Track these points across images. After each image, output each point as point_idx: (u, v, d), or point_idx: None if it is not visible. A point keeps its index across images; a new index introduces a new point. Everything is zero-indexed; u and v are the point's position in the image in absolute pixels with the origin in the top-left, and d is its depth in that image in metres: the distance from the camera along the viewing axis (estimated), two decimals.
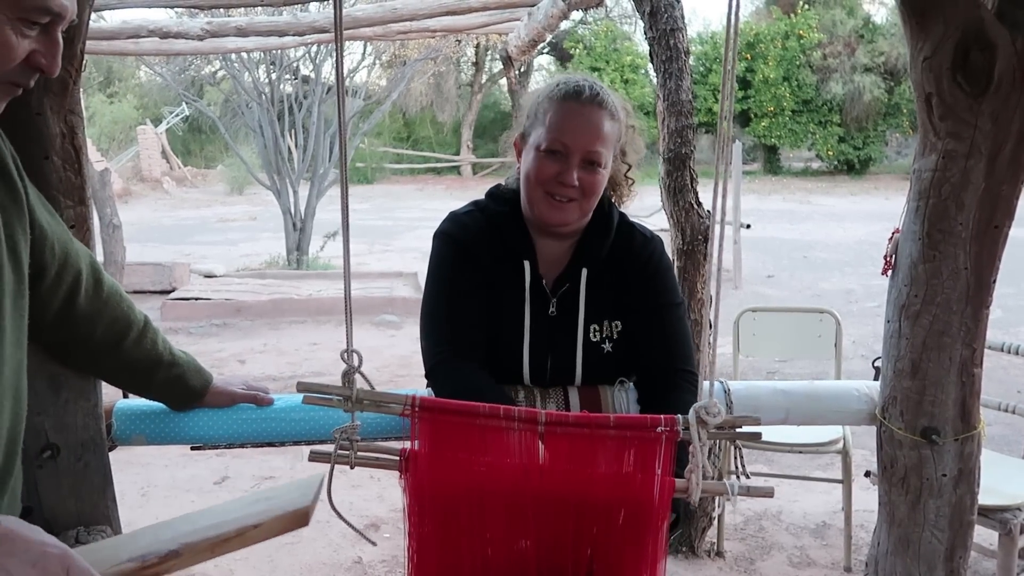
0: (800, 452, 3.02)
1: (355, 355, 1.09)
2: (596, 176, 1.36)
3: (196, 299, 7.06)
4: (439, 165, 22.63)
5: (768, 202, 15.65)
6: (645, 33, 2.71)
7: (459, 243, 1.43)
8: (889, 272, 1.44)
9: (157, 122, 21.11)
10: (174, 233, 12.42)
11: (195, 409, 1.42)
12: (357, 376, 1.09)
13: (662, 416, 1.12)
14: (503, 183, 1.51)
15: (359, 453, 1.10)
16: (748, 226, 7.40)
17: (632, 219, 1.52)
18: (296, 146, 10.16)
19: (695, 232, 2.73)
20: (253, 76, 9.74)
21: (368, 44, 10.48)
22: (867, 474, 2.59)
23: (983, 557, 2.53)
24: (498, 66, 22.46)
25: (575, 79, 1.39)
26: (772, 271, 8.92)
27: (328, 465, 1.10)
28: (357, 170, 19.86)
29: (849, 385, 1.58)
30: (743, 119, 20.93)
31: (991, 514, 2.26)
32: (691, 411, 1.14)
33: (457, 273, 1.41)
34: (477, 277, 1.41)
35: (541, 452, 1.08)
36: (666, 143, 2.73)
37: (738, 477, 1.67)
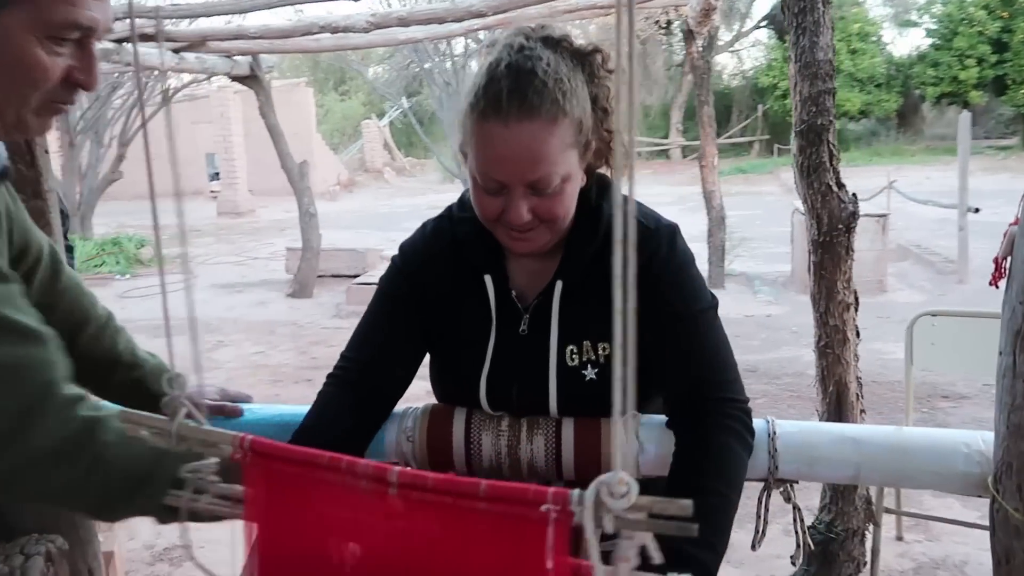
0: None
1: (181, 379, 0.88)
2: (552, 199, 1.04)
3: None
4: (646, 150, 22.08)
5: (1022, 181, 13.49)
6: None
7: (403, 268, 1.21)
8: (1001, 283, 0.99)
9: (381, 116, 22.61)
10: (387, 220, 13.15)
11: None
12: (185, 408, 0.89)
13: (549, 490, 0.81)
14: None
15: (209, 501, 0.90)
16: (976, 210, 6.32)
17: (640, 204, 1.13)
18: None
19: (834, 220, 2.24)
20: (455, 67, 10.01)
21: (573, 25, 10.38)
22: None
23: None
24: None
25: (496, 75, 1.00)
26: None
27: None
28: None
29: (954, 437, 1.13)
30: (997, 86, 18.21)
31: None
32: (590, 488, 0.81)
33: (388, 303, 1.21)
34: (413, 305, 1.19)
35: (396, 520, 0.82)
36: (799, 113, 2.26)
37: (798, 546, 1.27)
